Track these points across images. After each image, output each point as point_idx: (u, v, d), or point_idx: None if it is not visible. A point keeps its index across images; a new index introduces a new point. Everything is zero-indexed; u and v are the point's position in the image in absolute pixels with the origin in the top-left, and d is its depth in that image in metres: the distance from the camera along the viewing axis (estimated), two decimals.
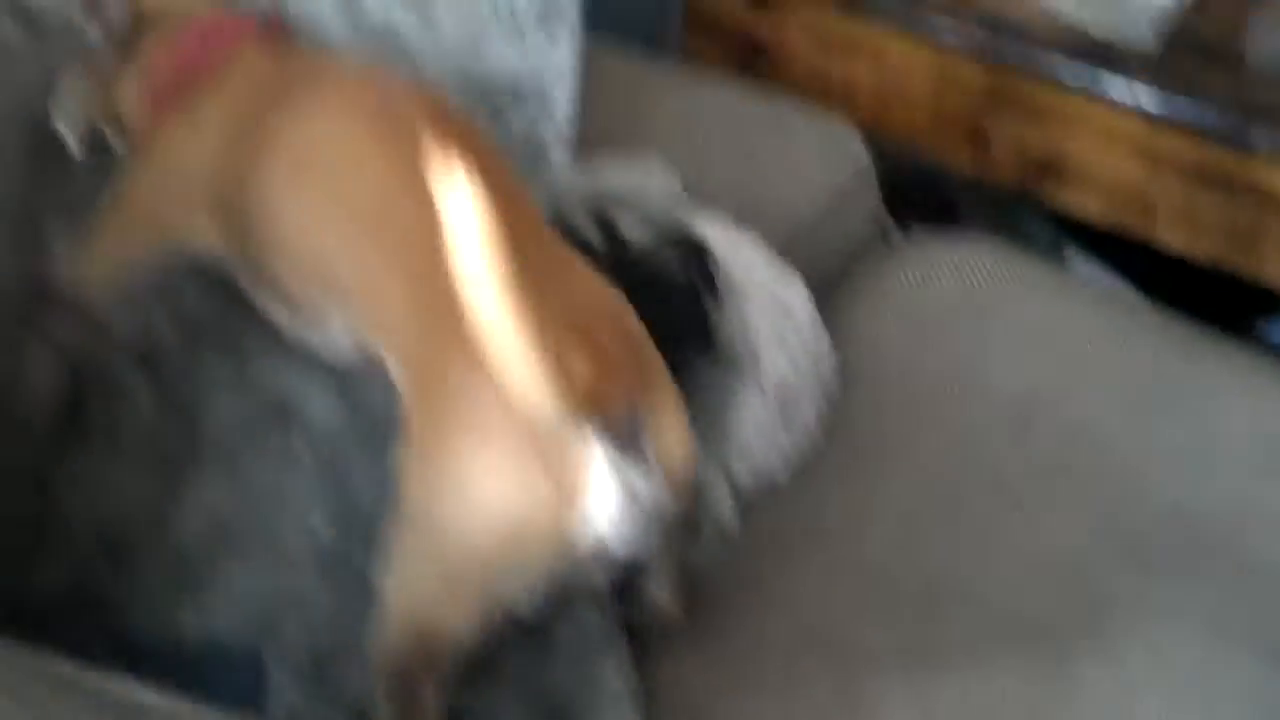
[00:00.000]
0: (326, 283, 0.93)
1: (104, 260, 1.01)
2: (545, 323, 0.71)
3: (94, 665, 0.64)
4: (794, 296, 1.20)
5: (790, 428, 1.15)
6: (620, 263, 1.09)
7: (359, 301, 0.91)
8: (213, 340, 0.99)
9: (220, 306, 1.01)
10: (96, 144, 1.13)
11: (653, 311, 1.08)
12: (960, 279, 1.36)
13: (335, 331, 0.96)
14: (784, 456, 1.16)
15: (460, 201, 0.68)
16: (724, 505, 1.11)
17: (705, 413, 1.13)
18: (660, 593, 1.00)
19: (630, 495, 0.80)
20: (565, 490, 0.79)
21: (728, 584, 1.08)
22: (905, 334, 1.30)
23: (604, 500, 0.79)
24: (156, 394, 0.96)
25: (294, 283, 0.96)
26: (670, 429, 0.85)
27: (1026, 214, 2.55)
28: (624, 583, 0.98)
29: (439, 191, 0.68)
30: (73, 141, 1.12)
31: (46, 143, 0.72)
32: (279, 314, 0.99)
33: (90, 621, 0.87)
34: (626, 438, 0.78)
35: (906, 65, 2.04)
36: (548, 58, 1.33)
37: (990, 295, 1.33)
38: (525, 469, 0.79)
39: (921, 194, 2.64)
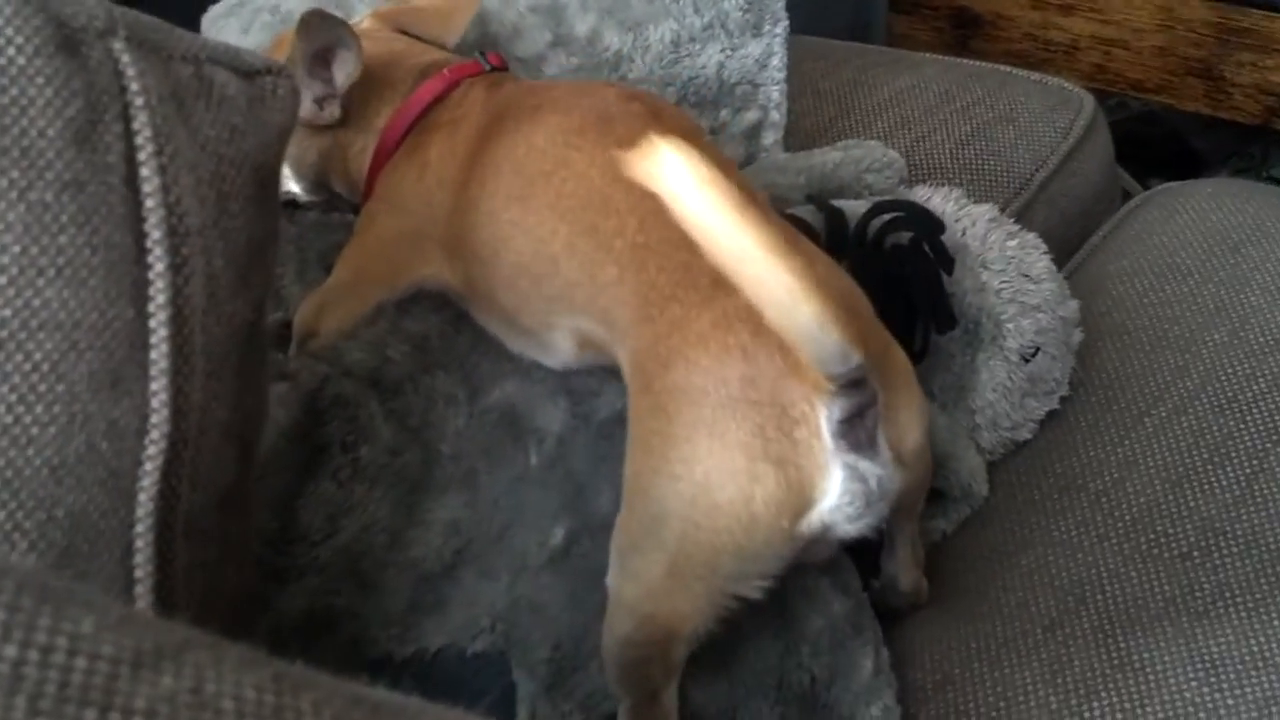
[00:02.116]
0: (553, 292, 0.95)
1: (342, 305, 1.05)
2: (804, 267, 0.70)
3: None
4: (1033, 258, 1.17)
5: (1038, 390, 1.13)
6: (848, 246, 1.09)
7: (585, 302, 0.93)
8: (440, 358, 1.01)
9: (443, 324, 1.03)
10: (327, 200, 1.21)
11: (887, 292, 1.08)
12: (1206, 219, 1.31)
13: (559, 345, 0.98)
14: (1033, 418, 1.14)
15: (674, 166, 0.67)
16: (972, 473, 1.10)
17: (950, 383, 1.12)
18: (903, 571, 1.00)
19: (858, 481, 0.79)
20: (792, 479, 0.78)
21: (982, 549, 1.07)
22: (1153, 281, 1.25)
23: (831, 489, 0.79)
24: (391, 415, 0.98)
25: (520, 305, 0.98)
26: (903, 409, 0.83)
27: (1274, 154, 2.45)
28: (867, 564, 0.99)
29: (648, 167, 0.68)
30: (301, 192, 1.19)
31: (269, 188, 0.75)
32: (502, 334, 1.02)
33: (332, 638, 0.89)
34: (858, 422, 0.78)
35: (1129, 14, 1.98)
36: (756, 54, 1.33)
37: (1242, 231, 1.28)
38: (751, 459, 0.79)
39: (1159, 147, 2.57)
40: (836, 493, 0.79)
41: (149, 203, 0.64)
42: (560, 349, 0.98)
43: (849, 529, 0.81)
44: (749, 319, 0.77)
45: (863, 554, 0.99)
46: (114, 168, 0.63)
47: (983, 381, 1.11)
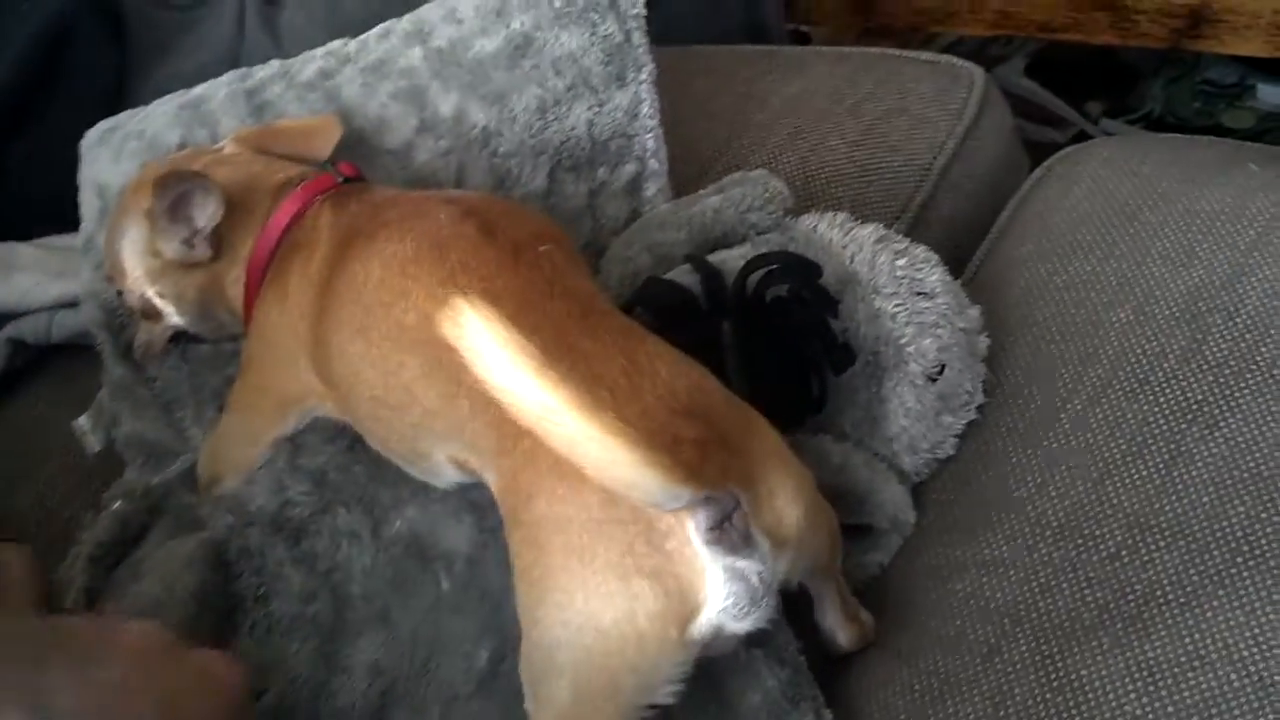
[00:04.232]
0: (415, 420, 0.95)
1: (237, 448, 1.07)
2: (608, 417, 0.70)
3: None
4: (925, 273, 1.15)
5: (951, 406, 1.12)
6: (727, 311, 1.09)
7: (448, 431, 0.93)
8: (339, 493, 1.02)
9: (339, 455, 1.05)
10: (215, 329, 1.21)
11: (776, 346, 1.07)
12: (1104, 187, 1.30)
13: (443, 469, 0.98)
14: (952, 434, 1.14)
15: (472, 330, 0.68)
16: (897, 504, 1.09)
17: (860, 418, 1.12)
18: (839, 627, 1.00)
19: (739, 581, 0.79)
20: (671, 590, 0.78)
21: (917, 577, 1.07)
22: (1057, 264, 1.24)
23: (713, 592, 0.79)
24: (298, 562, 1.00)
25: (389, 434, 0.99)
26: (778, 492, 0.83)
27: (1204, 58, 2.43)
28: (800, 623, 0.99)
29: (449, 330, 0.68)
30: (187, 325, 1.20)
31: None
32: (392, 459, 1.02)
33: None
34: (725, 525, 0.77)
35: None
36: (624, 105, 1.33)
37: (1139, 197, 1.26)
38: (626, 578, 0.79)
39: (1092, 67, 2.55)
40: (719, 596, 0.79)
41: None
42: (444, 473, 0.98)
43: (740, 627, 0.81)
44: None
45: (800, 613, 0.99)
46: None
47: (893, 409, 1.11)
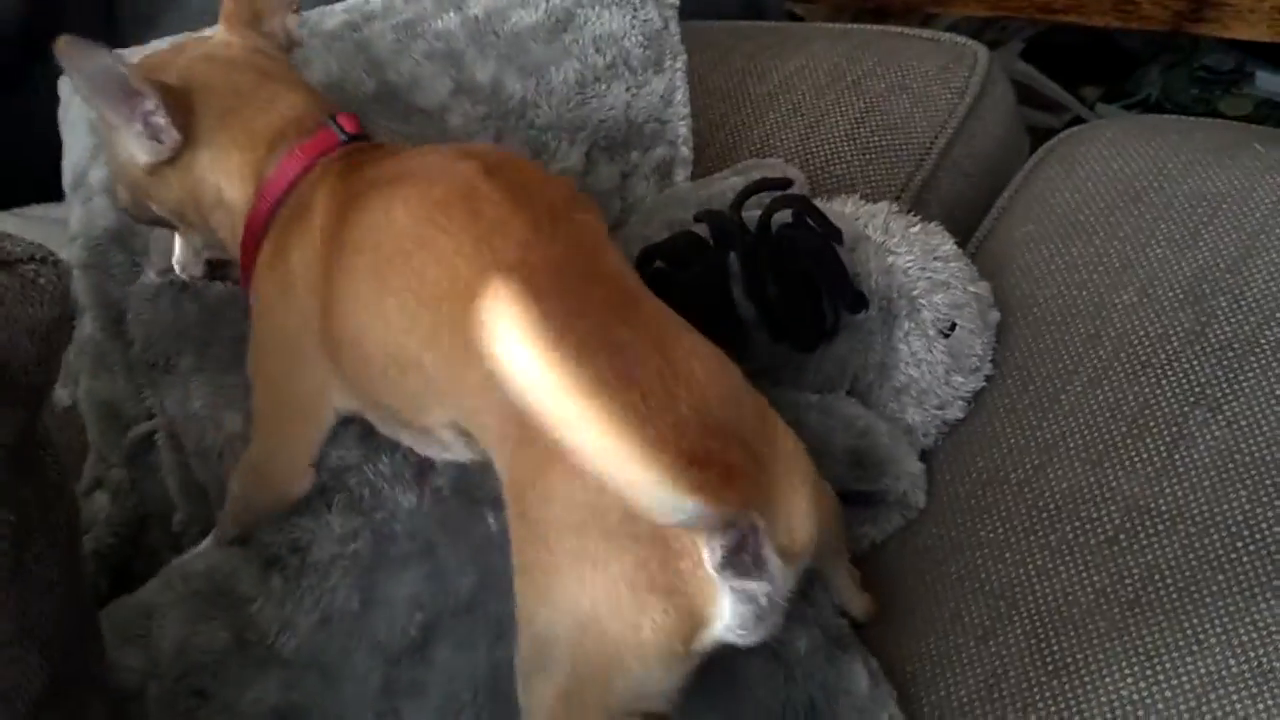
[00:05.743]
0: (419, 385, 0.92)
1: (281, 463, 1.04)
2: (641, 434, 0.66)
3: None
4: (938, 240, 1.15)
5: (961, 366, 1.12)
6: (733, 242, 1.09)
7: (451, 399, 0.91)
8: (381, 444, 1.03)
9: None
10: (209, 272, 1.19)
11: (783, 272, 1.08)
12: (1108, 168, 1.29)
13: (448, 441, 0.95)
14: (961, 395, 1.13)
15: (503, 323, 0.62)
16: (913, 481, 1.08)
17: (873, 362, 1.12)
18: (851, 600, 1.00)
19: (749, 603, 0.77)
20: (681, 608, 0.77)
21: (912, 557, 1.07)
22: (1059, 245, 1.23)
23: (721, 613, 0.77)
24: (343, 508, 1.01)
25: (393, 397, 0.96)
26: (794, 507, 0.81)
27: (1203, 43, 2.41)
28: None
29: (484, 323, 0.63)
30: (184, 261, 1.18)
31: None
32: (403, 439, 1.00)
33: None
34: (742, 549, 0.75)
35: None
36: (660, 90, 1.34)
37: (1144, 178, 1.25)
38: (636, 591, 0.77)
39: (1090, 51, 2.53)
40: (727, 615, 0.77)
41: None
42: (452, 445, 0.96)
43: (745, 642, 0.79)
44: None
45: None
46: None
47: (903, 357, 1.11)
